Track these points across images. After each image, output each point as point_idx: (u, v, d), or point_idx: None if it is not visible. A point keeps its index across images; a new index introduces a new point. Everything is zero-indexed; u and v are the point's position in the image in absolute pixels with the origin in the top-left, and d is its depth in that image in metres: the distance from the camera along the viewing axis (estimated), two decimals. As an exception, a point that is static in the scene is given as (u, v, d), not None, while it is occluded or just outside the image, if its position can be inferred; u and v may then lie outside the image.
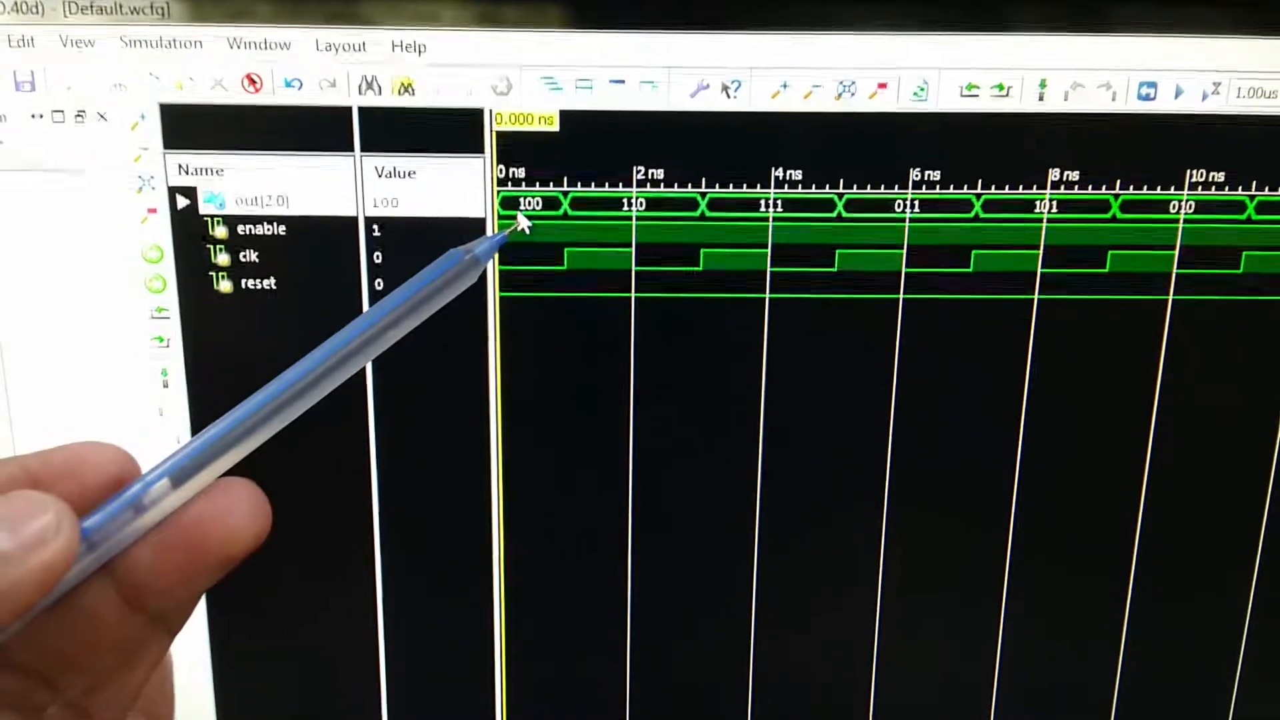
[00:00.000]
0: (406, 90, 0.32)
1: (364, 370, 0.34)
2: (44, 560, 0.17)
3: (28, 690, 0.19)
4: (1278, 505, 0.36)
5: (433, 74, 0.32)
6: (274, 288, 0.33)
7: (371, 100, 0.32)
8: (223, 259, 0.33)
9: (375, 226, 0.33)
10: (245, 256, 0.33)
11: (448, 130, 0.32)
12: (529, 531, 0.36)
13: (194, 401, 0.34)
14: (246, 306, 0.33)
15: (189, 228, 0.33)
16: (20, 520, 0.17)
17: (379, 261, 0.33)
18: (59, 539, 0.18)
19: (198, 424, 0.34)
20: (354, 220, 0.33)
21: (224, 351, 0.34)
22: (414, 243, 0.33)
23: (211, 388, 0.34)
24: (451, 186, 0.32)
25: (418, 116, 0.32)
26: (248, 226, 0.33)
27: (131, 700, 0.21)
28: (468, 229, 0.33)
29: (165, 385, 0.34)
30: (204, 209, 0.32)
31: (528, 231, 0.32)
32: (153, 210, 0.32)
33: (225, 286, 0.33)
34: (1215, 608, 0.37)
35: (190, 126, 0.32)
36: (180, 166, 0.32)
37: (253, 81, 0.31)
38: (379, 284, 0.33)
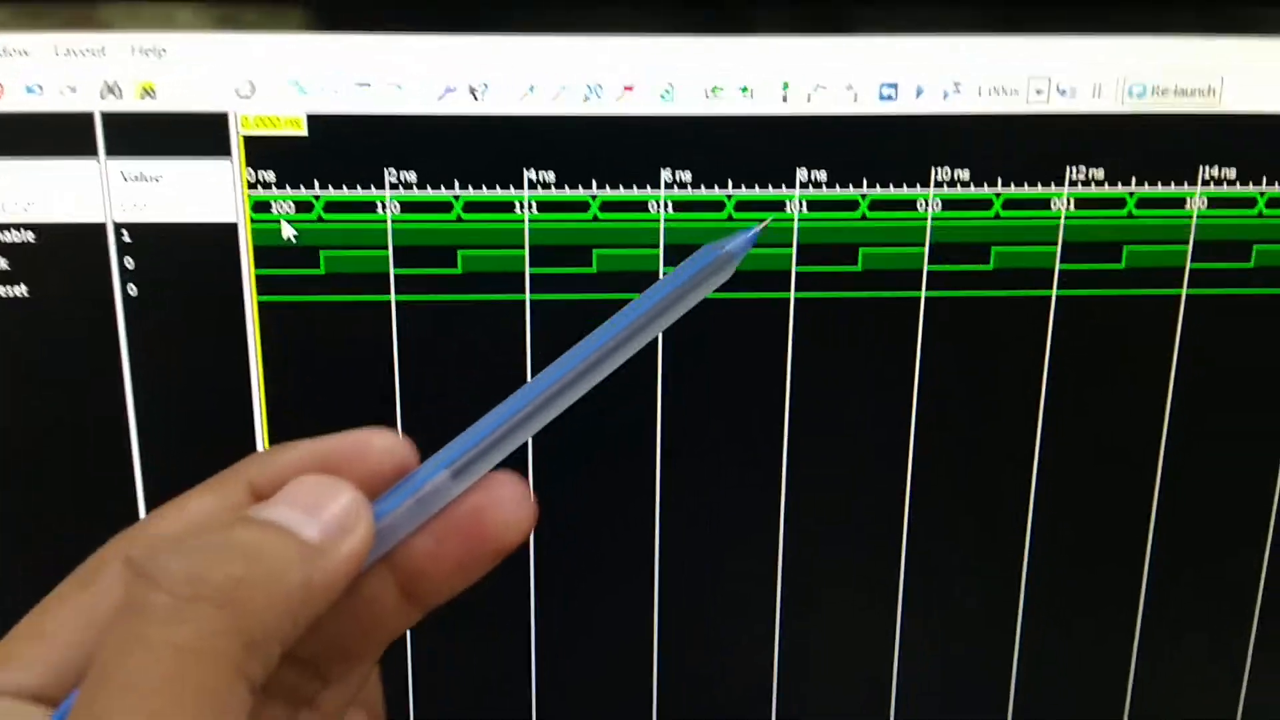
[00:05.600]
0: (148, 94, 0.32)
1: (120, 384, 0.33)
2: (350, 549, 0.17)
3: (302, 682, 0.19)
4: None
5: (173, 78, 0.31)
6: (26, 295, 0.33)
7: (113, 105, 0.32)
8: (-31, 266, 0.32)
9: (124, 231, 0.32)
10: (-7, 263, 0.32)
11: (192, 134, 0.32)
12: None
13: (-53, 411, 0.33)
14: (-3, 314, 0.33)
15: (-67, 235, 0.32)
16: (321, 507, 0.17)
17: (130, 267, 0.33)
18: (360, 527, 0.17)
19: (-47, 434, 0.34)
20: (102, 226, 0.32)
21: (-23, 360, 0.33)
22: (165, 247, 0.33)
23: (-35, 397, 0.33)
24: (200, 190, 0.32)
25: (161, 120, 0.32)
26: (-7, 233, 0.32)
27: (359, 688, 0.20)
28: (218, 233, 0.33)
29: (-82, 395, 0.33)
30: (-53, 215, 0.32)
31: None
32: (-105, 217, 0.32)
33: (-27, 294, 0.33)
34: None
35: (-69, 133, 0.32)
36: (-78, 173, 0.32)
37: (-9, 86, 0.31)
38: (132, 289, 0.33)
